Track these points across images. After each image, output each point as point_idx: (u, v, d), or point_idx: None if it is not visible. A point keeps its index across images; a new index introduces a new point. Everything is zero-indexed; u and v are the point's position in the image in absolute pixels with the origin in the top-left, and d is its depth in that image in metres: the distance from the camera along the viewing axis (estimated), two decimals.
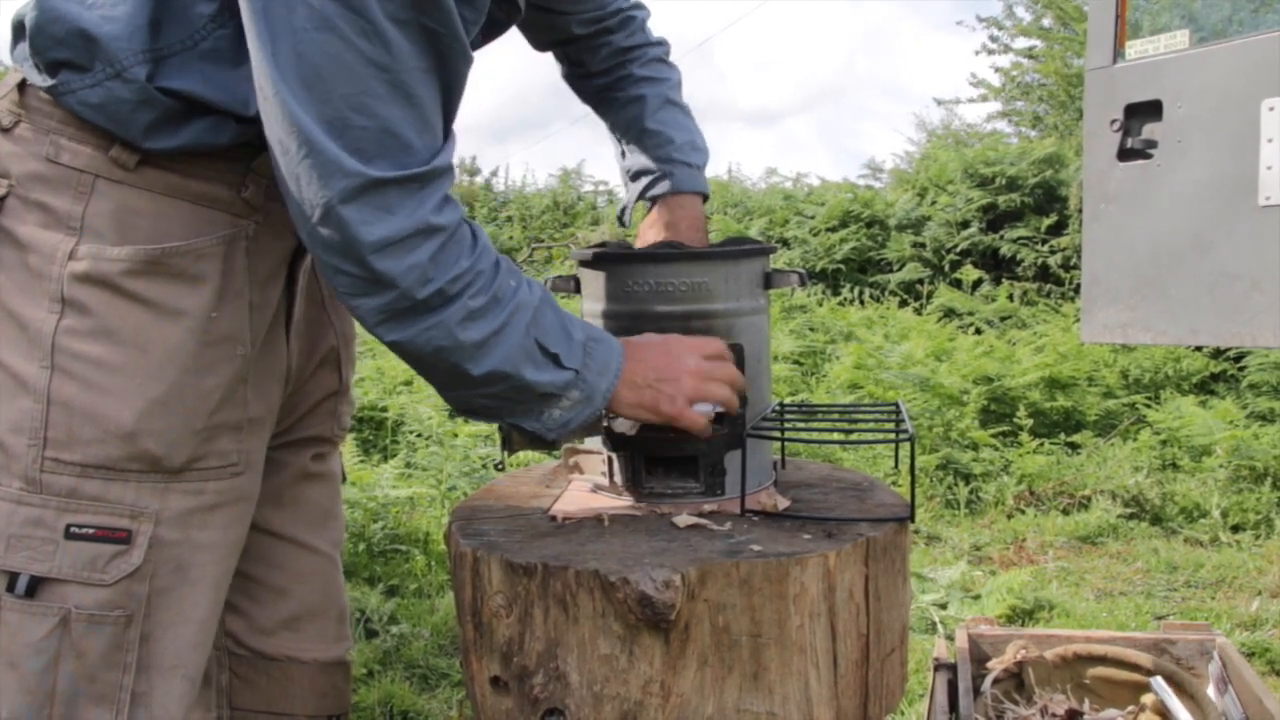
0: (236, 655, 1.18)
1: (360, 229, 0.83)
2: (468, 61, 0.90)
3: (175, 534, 0.97)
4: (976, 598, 2.84)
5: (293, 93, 0.81)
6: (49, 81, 0.90)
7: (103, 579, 0.91)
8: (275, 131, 0.84)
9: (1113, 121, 1.73)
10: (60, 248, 0.90)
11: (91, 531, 0.91)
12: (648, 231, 1.38)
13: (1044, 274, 7.01)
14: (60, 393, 0.90)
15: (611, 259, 1.24)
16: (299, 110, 0.81)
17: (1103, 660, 1.58)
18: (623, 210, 1.46)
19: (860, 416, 1.54)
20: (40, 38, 0.90)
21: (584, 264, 1.28)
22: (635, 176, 1.38)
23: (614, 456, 1.25)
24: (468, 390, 0.97)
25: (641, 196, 1.39)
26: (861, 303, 7.11)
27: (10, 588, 0.89)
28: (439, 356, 0.92)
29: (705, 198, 1.41)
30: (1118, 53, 1.74)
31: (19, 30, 0.95)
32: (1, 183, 0.91)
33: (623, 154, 1.40)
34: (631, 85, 1.36)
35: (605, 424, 1.15)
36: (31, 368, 0.90)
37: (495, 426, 1.10)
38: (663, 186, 1.37)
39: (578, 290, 1.30)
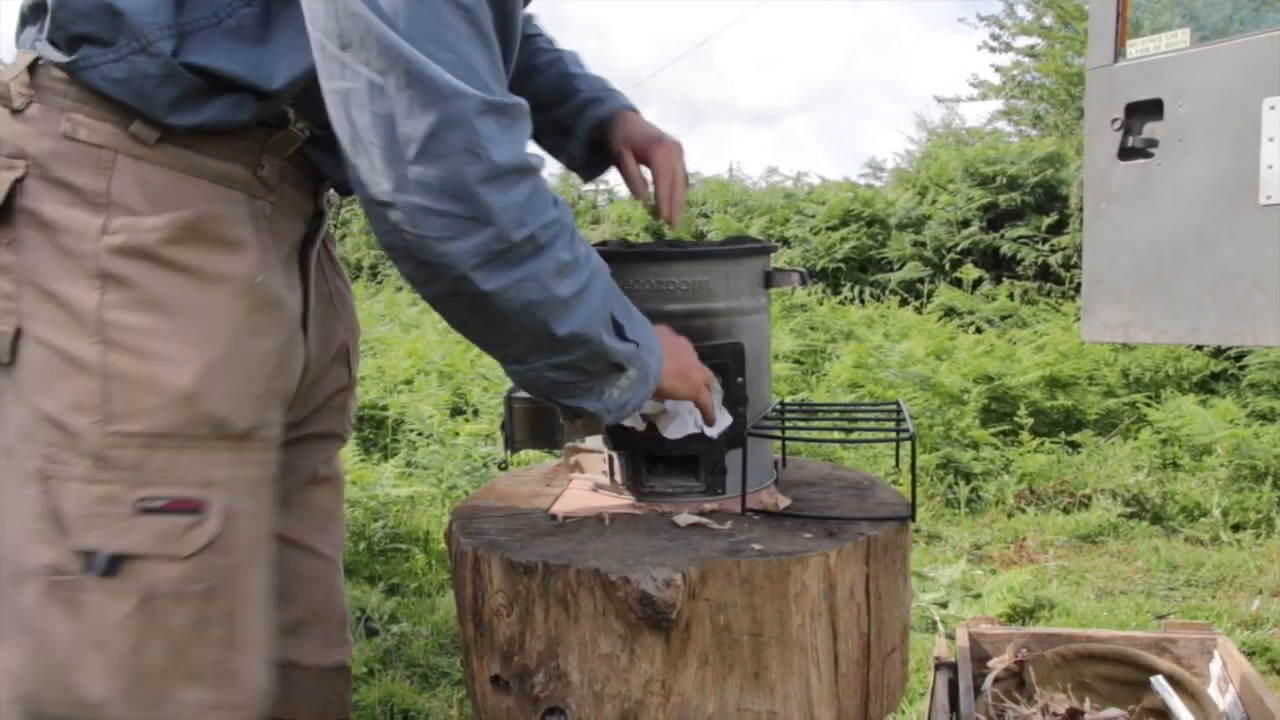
0: None
1: (465, 159, 0.81)
2: (519, 22, 0.92)
3: (247, 505, 0.96)
4: (977, 597, 2.84)
5: (385, 24, 0.79)
6: (69, 58, 0.90)
7: (179, 552, 0.90)
8: (361, 74, 0.81)
9: (1114, 120, 1.73)
10: (91, 224, 0.89)
11: (163, 504, 0.89)
12: (633, 137, 1.31)
13: (1044, 273, 7.01)
14: (116, 366, 0.89)
15: (612, 258, 1.24)
16: (397, 40, 0.79)
17: (1103, 659, 1.58)
18: (575, 149, 1.37)
19: (861, 415, 1.54)
20: (63, 11, 0.89)
21: None
22: (584, 107, 1.33)
23: (614, 455, 1.25)
24: (543, 358, 0.95)
25: (597, 119, 1.33)
26: (862, 302, 7.12)
27: (88, 568, 0.87)
28: (528, 312, 0.90)
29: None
30: (1119, 51, 1.74)
31: (36, 10, 0.94)
32: (18, 164, 0.90)
33: (561, 102, 1.34)
34: (546, 51, 1.35)
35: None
36: (82, 345, 0.89)
37: (499, 426, 1.09)
38: (615, 102, 1.34)
39: None
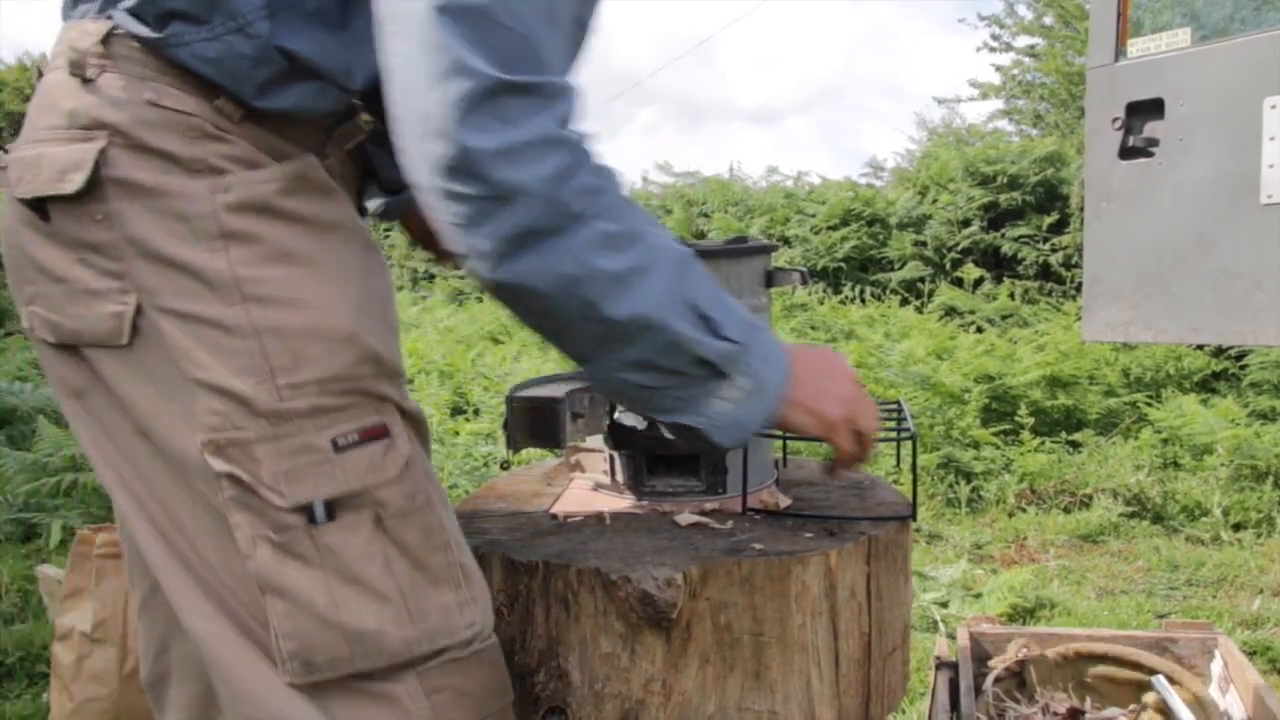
0: None
1: (481, 136, 0.77)
2: (594, 16, 0.89)
3: (415, 426, 0.95)
4: (978, 596, 2.84)
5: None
6: (158, 34, 0.87)
7: (389, 475, 0.89)
8: (398, 44, 0.79)
9: (1114, 119, 1.73)
10: (196, 185, 0.86)
11: (356, 436, 0.88)
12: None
13: (1045, 272, 7.01)
14: (267, 320, 0.86)
15: None
16: (438, 15, 0.77)
17: (1104, 659, 1.58)
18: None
19: None
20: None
21: None
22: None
23: (615, 455, 1.25)
24: (610, 352, 0.86)
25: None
26: (863, 301, 7.11)
27: (310, 519, 0.86)
28: (572, 293, 0.81)
29: None
30: (1119, 51, 1.74)
31: None
32: (99, 134, 0.86)
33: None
34: None
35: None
36: (222, 309, 0.86)
37: (501, 425, 1.08)
38: None
39: None
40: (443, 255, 1.21)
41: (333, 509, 0.87)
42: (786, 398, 0.93)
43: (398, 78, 0.80)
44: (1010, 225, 7.23)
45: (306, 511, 0.86)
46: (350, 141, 0.98)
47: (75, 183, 0.85)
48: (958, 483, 3.90)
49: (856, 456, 1.01)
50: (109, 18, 0.88)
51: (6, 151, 0.92)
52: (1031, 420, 4.32)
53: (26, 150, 0.90)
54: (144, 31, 0.87)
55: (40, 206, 0.88)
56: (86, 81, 0.87)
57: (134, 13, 0.88)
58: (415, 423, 0.96)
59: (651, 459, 1.24)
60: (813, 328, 5.94)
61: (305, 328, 0.87)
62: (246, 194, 0.87)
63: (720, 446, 0.92)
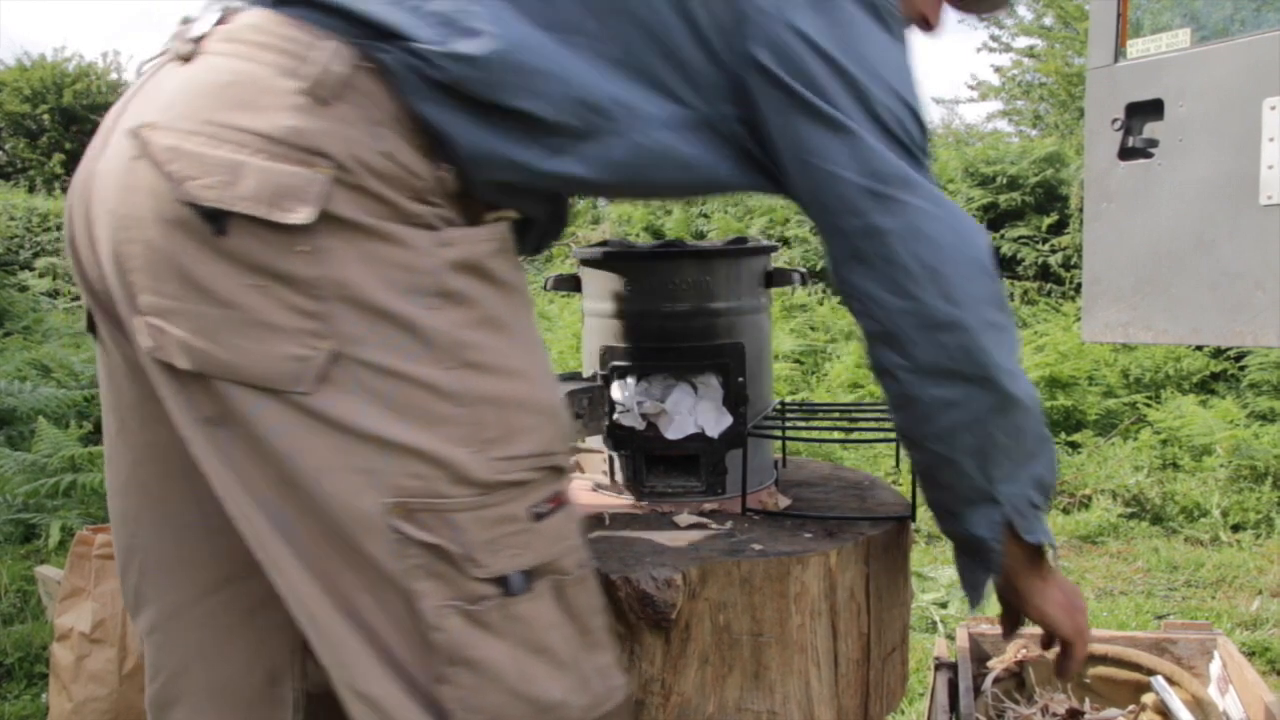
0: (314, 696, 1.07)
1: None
2: None
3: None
4: None
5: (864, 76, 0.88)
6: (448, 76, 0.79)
7: (572, 542, 0.88)
8: (914, 205, 0.89)
9: (1114, 120, 1.73)
10: (420, 235, 0.80)
11: (549, 506, 0.86)
12: None
13: (1044, 273, 7.01)
14: (482, 389, 0.82)
15: (613, 257, 1.24)
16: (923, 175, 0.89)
17: (1104, 659, 1.58)
18: None
19: (861, 415, 1.54)
20: (504, 89, 0.81)
21: (585, 262, 1.28)
22: None
23: (615, 455, 1.25)
24: (1041, 459, 0.98)
25: None
26: None
27: (507, 590, 0.83)
28: (1036, 409, 0.95)
29: None
30: (1119, 52, 1.74)
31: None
32: (319, 163, 0.77)
33: None
34: None
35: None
36: (437, 371, 0.80)
37: None
38: None
39: (579, 289, 1.30)
40: None
41: (530, 580, 0.84)
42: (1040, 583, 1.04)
43: (919, 230, 0.89)
44: (1009, 226, 7.23)
45: (503, 583, 0.83)
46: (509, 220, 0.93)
47: (300, 216, 0.76)
48: None
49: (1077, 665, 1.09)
50: (359, 46, 0.80)
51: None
52: None
53: (206, 147, 0.77)
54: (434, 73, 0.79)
55: (218, 218, 0.77)
56: (320, 103, 0.78)
57: (424, 56, 0.79)
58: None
59: (651, 459, 1.24)
60: (812, 328, 5.93)
61: (517, 399, 0.84)
62: (468, 252, 0.83)
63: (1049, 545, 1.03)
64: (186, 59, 0.83)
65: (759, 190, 0.96)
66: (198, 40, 0.83)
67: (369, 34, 0.80)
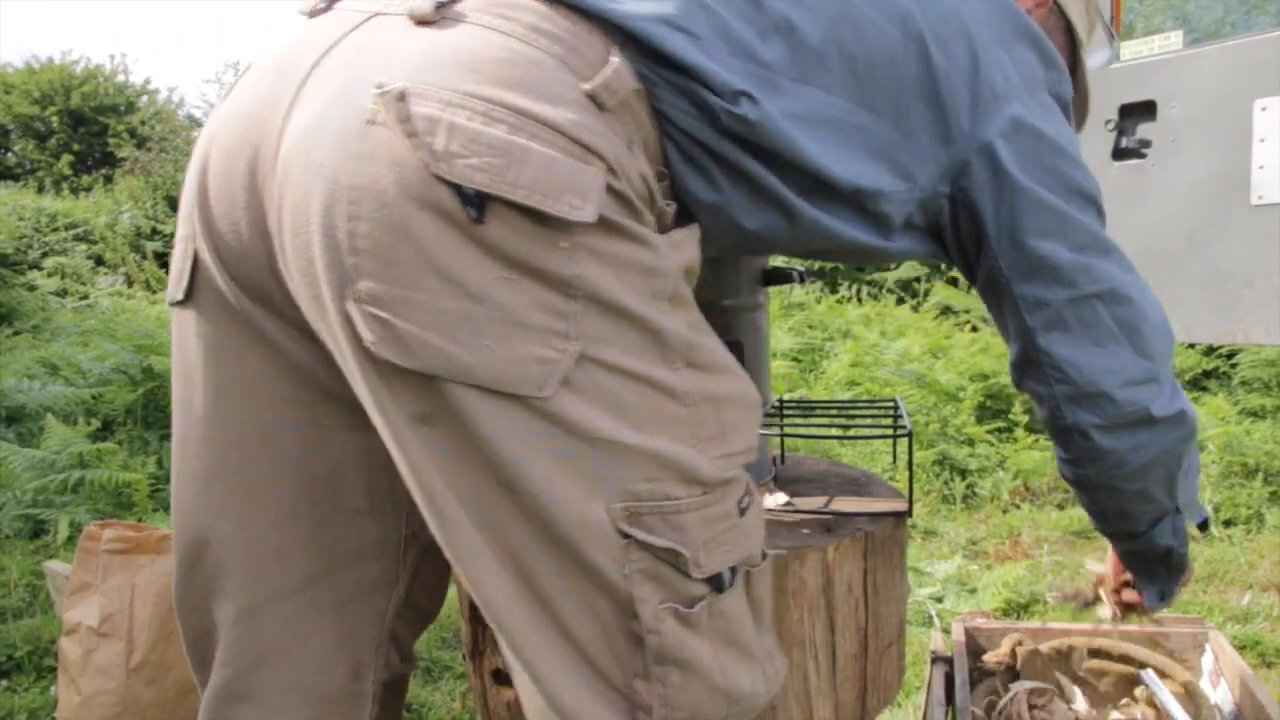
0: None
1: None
2: None
3: None
4: (973, 591, 2.86)
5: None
6: (731, 108, 0.79)
7: (759, 535, 0.89)
8: (1112, 273, 0.96)
9: (1107, 121, 1.74)
10: (660, 240, 0.79)
11: (748, 501, 0.87)
12: None
13: None
14: (703, 388, 0.82)
15: None
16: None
17: (1097, 653, 1.60)
18: None
19: (858, 413, 1.56)
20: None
21: None
22: None
23: None
24: (1167, 500, 1.07)
25: None
26: (859, 300, 7.13)
27: (719, 588, 0.83)
28: (1173, 454, 1.03)
29: None
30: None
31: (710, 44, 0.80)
32: (599, 163, 0.74)
33: None
34: None
35: None
36: (666, 371, 0.79)
37: None
38: None
39: None
40: None
41: (734, 576, 0.85)
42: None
43: (1119, 295, 0.96)
44: None
45: (716, 581, 0.83)
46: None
47: (585, 213, 0.71)
48: (953, 479, 3.92)
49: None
50: (639, 68, 0.78)
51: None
52: (1026, 418, 4.34)
53: (476, 123, 0.70)
54: (720, 103, 0.79)
55: (480, 202, 0.69)
56: (601, 108, 0.76)
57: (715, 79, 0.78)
58: None
59: None
60: (810, 326, 5.95)
61: (731, 396, 0.85)
62: (691, 255, 0.84)
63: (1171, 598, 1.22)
64: (426, 21, 0.75)
65: (918, 258, 1.02)
66: (445, 3, 0.76)
67: (655, 60, 0.79)
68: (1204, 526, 1.19)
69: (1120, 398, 0.97)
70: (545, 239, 0.71)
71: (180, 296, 0.90)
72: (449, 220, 0.69)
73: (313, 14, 0.85)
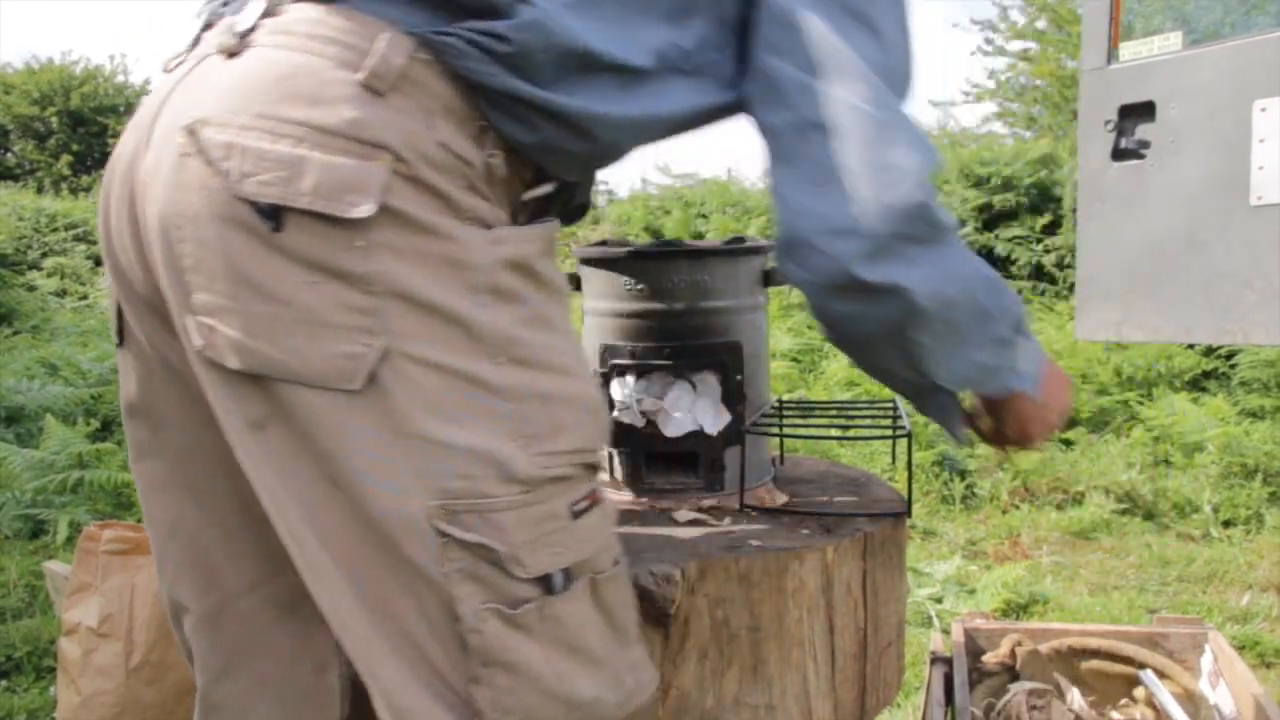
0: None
1: (926, 193, 0.85)
2: None
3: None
4: (972, 592, 2.86)
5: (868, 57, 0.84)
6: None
7: (607, 539, 0.88)
8: (845, 101, 0.84)
9: (1107, 122, 1.74)
10: (473, 233, 0.80)
11: (586, 504, 0.85)
12: None
13: (1038, 273, 7.02)
14: (530, 385, 0.81)
15: (612, 257, 1.25)
16: (875, 71, 0.84)
17: (1096, 654, 1.60)
18: None
19: (858, 413, 1.56)
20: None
21: (584, 262, 1.29)
22: None
23: (614, 452, 1.27)
24: (978, 336, 0.93)
25: None
26: None
27: (549, 589, 0.82)
28: (968, 292, 0.89)
29: None
30: (1112, 54, 1.75)
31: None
32: (380, 155, 0.76)
33: None
34: None
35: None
36: (486, 366, 0.79)
37: None
38: None
39: (578, 288, 1.31)
40: None
41: (570, 578, 0.83)
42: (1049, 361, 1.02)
43: (844, 128, 0.84)
44: (1004, 226, 7.24)
45: (545, 583, 0.82)
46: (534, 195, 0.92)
47: (362, 210, 0.75)
48: (952, 480, 3.92)
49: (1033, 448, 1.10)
50: (410, 33, 0.79)
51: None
52: None
53: (265, 142, 0.76)
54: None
55: (275, 214, 0.75)
56: (376, 95, 0.77)
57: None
58: None
59: (649, 456, 1.26)
60: (809, 327, 5.94)
61: (562, 395, 0.84)
62: (517, 251, 0.82)
63: (1029, 394, 1.00)
64: (232, 53, 0.81)
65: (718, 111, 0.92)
66: (245, 34, 0.81)
67: (430, 18, 0.79)
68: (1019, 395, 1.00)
69: (820, 246, 0.84)
70: (340, 240, 0.75)
71: (117, 340, 0.98)
72: (252, 234, 0.76)
73: (167, 69, 0.91)
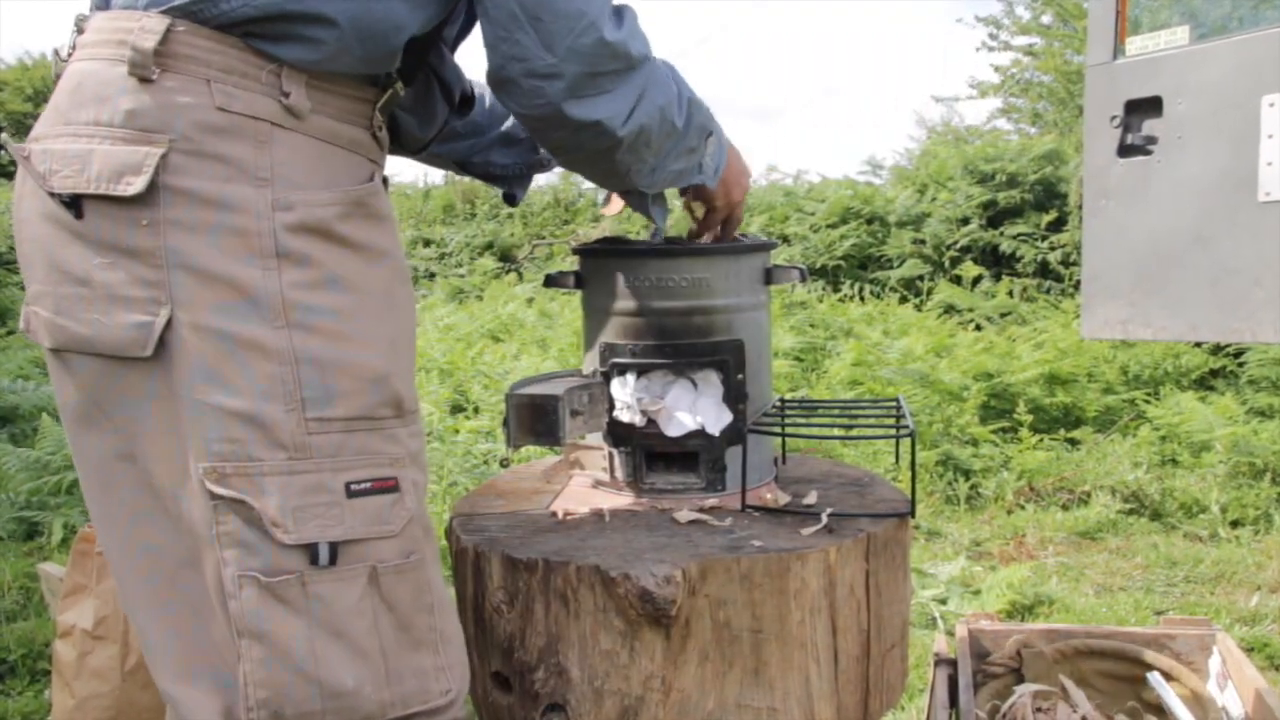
0: None
1: (617, 29, 0.94)
2: None
3: (419, 477, 0.95)
4: (976, 593, 2.84)
5: None
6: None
7: (392, 529, 0.89)
8: None
9: (1113, 118, 1.72)
10: (259, 199, 0.84)
11: (369, 485, 0.87)
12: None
13: (1044, 270, 7.01)
14: (306, 349, 0.85)
15: (612, 254, 1.24)
16: None
17: (1103, 655, 1.58)
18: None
19: (861, 412, 1.54)
20: None
21: (585, 259, 1.28)
22: None
23: (615, 452, 1.26)
24: (673, 152, 1.06)
25: None
26: (862, 299, 7.11)
27: (314, 560, 0.85)
28: (663, 117, 1.01)
29: None
30: (1118, 49, 1.73)
31: None
32: (159, 139, 0.83)
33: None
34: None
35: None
36: (263, 330, 0.84)
37: (501, 422, 1.10)
38: None
39: (579, 286, 1.30)
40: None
41: (337, 554, 0.85)
42: (729, 146, 1.18)
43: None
44: (1009, 223, 7.23)
45: (310, 551, 0.84)
46: (390, 109, 0.98)
47: (135, 186, 0.82)
48: (956, 480, 3.90)
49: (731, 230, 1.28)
50: (164, 12, 0.85)
51: (19, 142, 0.91)
52: (1030, 418, 4.32)
53: (65, 144, 0.86)
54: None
55: (75, 204, 0.85)
56: (146, 81, 0.84)
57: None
58: (422, 475, 0.96)
59: (651, 456, 1.24)
60: (812, 325, 5.93)
61: (343, 361, 0.86)
62: (308, 215, 0.86)
63: (711, 185, 1.16)
64: (58, 75, 0.93)
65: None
66: (66, 57, 0.92)
67: None
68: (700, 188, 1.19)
69: (524, 86, 0.92)
70: (128, 221, 0.84)
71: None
72: (62, 225, 0.86)
73: None
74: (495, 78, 0.94)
